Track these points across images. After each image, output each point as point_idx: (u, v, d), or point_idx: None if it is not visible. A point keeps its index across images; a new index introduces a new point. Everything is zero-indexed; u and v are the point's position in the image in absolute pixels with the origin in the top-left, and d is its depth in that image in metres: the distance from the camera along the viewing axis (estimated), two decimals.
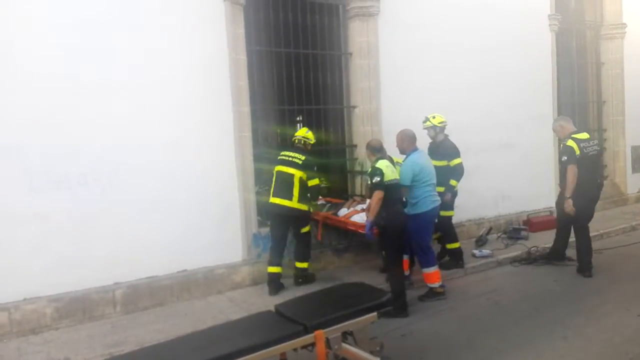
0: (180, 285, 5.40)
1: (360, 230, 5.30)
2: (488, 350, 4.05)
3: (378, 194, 4.77)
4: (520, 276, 6.07)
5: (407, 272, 5.57)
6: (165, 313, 5.09)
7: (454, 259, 6.22)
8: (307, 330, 3.12)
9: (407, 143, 5.35)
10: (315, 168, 5.78)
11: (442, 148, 6.12)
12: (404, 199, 5.20)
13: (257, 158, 6.12)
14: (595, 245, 6.32)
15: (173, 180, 5.33)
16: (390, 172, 4.84)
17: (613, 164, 9.97)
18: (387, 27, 6.80)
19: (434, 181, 5.35)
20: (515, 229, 7.58)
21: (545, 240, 6.97)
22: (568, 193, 5.61)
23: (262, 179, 6.40)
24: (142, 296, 5.17)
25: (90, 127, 4.92)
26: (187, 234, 5.42)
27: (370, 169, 4.92)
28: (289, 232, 5.70)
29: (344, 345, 3.32)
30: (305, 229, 5.73)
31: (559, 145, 5.17)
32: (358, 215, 5.65)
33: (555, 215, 6.62)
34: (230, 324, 3.68)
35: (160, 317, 4.98)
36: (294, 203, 5.51)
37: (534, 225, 7.84)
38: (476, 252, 6.65)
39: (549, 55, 8.66)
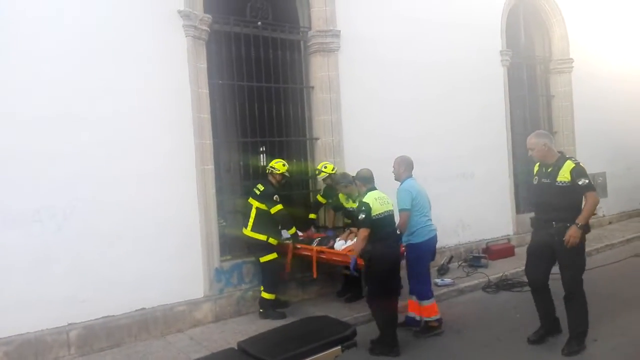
0: (139, 324, 5.22)
1: (347, 261, 5.14)
2: None
3: (363, 232, 4.59)
4: (481, 303, 6.17)
5: (412, 314, 5.31)
6: (122, 354, 4.89)
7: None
8: None
9: (403, 168, 5.27)
10: (277, 197, 5.77)
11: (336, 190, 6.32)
12: (397, 232, 4.96)
13: (220, 191, 6.08)
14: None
15: (132, 215, 5.21)
16: (379, 206, 4.66)
17: None
18: (347, 63, 6.99)
19: (429, 211, 5.28)
20: (475, 257, 7.75)
21: (504, 268, 7.15)
22: (584, 221, 4.29)
23: (224, 212, 6.34)
24: (98, 337, 4.96)
25: (46, 161, 4.78)
26: (146, 270, 5.28)
27: (357, 203, 4.80)
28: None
29: None
30: (265, 258, 5.74)
31: (541, 169, 4.53)
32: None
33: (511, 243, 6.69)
34: None
35: (117, 359, 4.78)
36: (247, 231, 5.77)
37: (493, 253, 8.03)
38: (438, 280, 6.75)
39: (502, 89, 9.08)
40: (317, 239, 6.09)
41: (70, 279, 4.84)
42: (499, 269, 7.27)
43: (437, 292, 6.37)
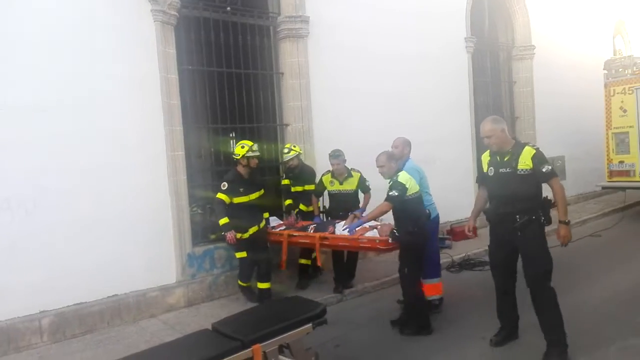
0: (111, 310, 5.26)
1: (379, 246, 5.01)
2: (419, 353, 4.31)
3: (386, 206, 4.62)
4: (446, 282, 6.42)
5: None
6: (95, 340, 4.93)
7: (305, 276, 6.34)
8: (244, 346, 3.18)
9: (408, 149, 5.36)
10: (224, 185, 5.54)
11: (305, 174, 6.37)
12: (428, 211, 4.98)
13: (191, 177, 6.12)
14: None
15: (103, 202, 5.21)
16: (414, 185, 4.71)
17: None
18: (317, 49, 7.07)
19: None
20: (440, 239, 8.00)
21: (466, 249, 7.46)
22: (565, 215, 3.96)
23: (197, 198, 6.38)
24: (71, 324, 4.98)
25: (14, 150, 4.73)
26: (118, 257, 5.30)
27: (391, 181, 4.69)
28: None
29: (281, 357, 3.42)
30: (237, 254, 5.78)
31: (494, 159, 4.12)
32: (370, 232, 5.18)
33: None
34: (166, 344, 3.67)
35: (90, 345, 4.83)
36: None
37: (456, 234, 8.33)
38: None
39: (466, 75, 9.34)
40: (313, 226, 5.75)
41: (41, 267, 4.82)
42: (462, 250, 7.57)
43: None
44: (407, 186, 4.60)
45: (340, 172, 6.05)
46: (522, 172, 3.95)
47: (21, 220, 4.75)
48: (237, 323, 3.59)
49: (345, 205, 5.96)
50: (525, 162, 3.95)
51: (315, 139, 7.06)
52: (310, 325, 3.51)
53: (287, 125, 7.06)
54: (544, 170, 3.90)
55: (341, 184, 6.08)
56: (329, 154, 6.10)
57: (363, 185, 6.14)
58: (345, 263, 6.13)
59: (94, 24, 5.22)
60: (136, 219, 5.43)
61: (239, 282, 5.87)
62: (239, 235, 5.57)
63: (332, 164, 6.08)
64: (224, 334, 3.38)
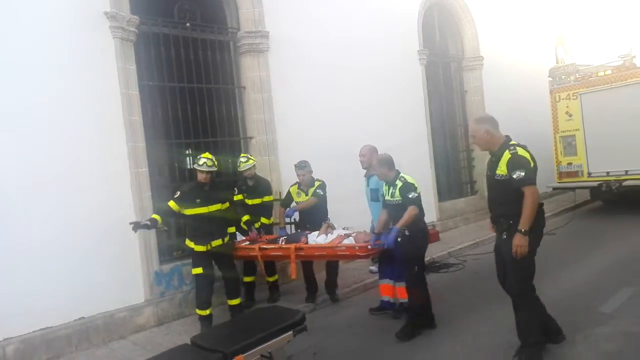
0: (79, 334, 5.09)
1: (359, 253, 5.09)
2: (397, 357, 4.40)
3: (414, 210, 4.69)
4: None
5: (386, 297, 5.45)
6: None
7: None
8: (226, 357, 3.18)
9: (375, 156, 5.34)
10: (177, 194, 5.36)
11: (261, 185, 6.27)
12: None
13: (154, 194, 6.02)
14: (473, 251, 7.29)
15: (65, 222, 5.07)
16: (418, 184, 4.84)
17: (482, 179, 11.20)
18: (278, 63, 7.18)
19: None
20: None
21: (431, 252, 7.64)
22: (526, 225, 3.74)
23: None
24: (37, 350, 4.79)
25: None
26: (83, 278, 5.15)
27: (400, 184, 4.79)
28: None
29: None
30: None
31: (490, 159, 3.99)
32: (346, 240, 5.26)
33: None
34: None
35: None
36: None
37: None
38: (373, 267, 7.09)
39: (421, 86, 9.70)
40: (283, 238, 5.71)
41: (3, 293, 4.62)
42: (426, 253, 7.74)
43: (373, 278, 6.76)
44: (416, 185, 4.81)
45: (307, 183, 6.05)
46: (499, 178, 3.82)
47: None
48: (217, 336, 3.60)
49: (314, 216, 5.94)
50: (501, 167, 3.80)
51: (280, 150, 7.13)
52: (291, 332, 3.54)
53: (251, 138, 7.10)
54: (514, 176, 3.71)
55: (307, 194, 6.06)
56: (295, 165, 6.13)
57: (316, 192, 6.02)
58: (327, 275, 6.09)
59: (54, 40, 5.14)
60: (101, 238, 5.30)
61: (197, 310, 5.32)
62: (198, 248, 5.29)
63: (298, 175, 6.06)
64: (204, 347, 3.37)
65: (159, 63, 6.29)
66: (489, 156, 4.03)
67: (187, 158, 7.38)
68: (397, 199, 4.84)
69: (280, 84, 7.20)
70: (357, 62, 8.29)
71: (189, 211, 5.29)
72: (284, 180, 6.86)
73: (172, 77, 6.42)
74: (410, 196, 4.75)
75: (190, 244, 5.34)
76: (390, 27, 8.96)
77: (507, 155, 3.79)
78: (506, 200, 3.82)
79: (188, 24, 6.62)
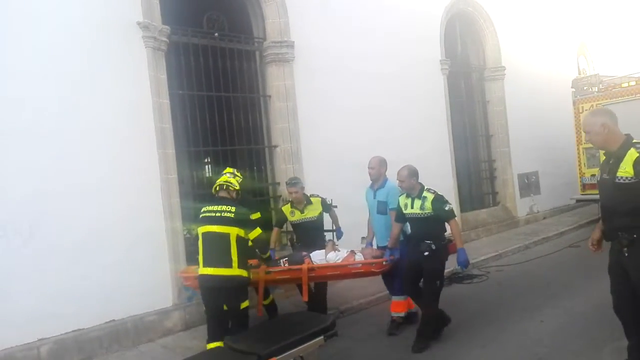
0: (109, 336, 5.18)
1: (374, 270, 5.04)
2: None
3: (455, 222, 4.75)
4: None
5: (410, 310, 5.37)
6: None
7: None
8: (261, 359, 3.23)
9: (384, 169, 5.37)
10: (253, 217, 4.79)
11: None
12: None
13: (184, 200, 6.13)
14: (496, 262, 7.31)
15: (100, 226, 5.20)
16: None
17: (504, 190, 11.17)
18: (303, 72, 7.29)
19: None
20: None
21: (452, 263, 7.58)
22: None
23: (190, 221, 6.35)
24: (69, 351, 4.89)
25: (12, 174, 4.72)
26: (114, 282, 5.25)
27: (432, 197, 4.71)
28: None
29: None
30: (245, 304, 4.43)
31: (606, 160, 3.41)
32: (355, 257, 5.20)
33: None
34: None
35: None
36: (234, 270, 4.32)
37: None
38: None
39: (443, 96, 9.72)
40: (285, 259, 5.30)
41: (38, 294, 4.75)
42: (448, 265, 7.71)
43: None
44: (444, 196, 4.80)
45: (299, 201, 5.61)
46: (621, 181, 3.14)
47: (18, 247, 4.69)
48: (250, 338, 3.63)
49: (313, 233, 5.66)
50: (625, 168, 3.14)
51: (304, 159, 7.20)
52: (322, 337, 3.57)
53: (276, 146, 7.19)
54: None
55: (302, 212, 5.63)
56: (286, 182, 5.88)
57: (326, 205, 5.79)
58: (315, 298, 5.41)
59: (91, 49, 5.30)
60: (132, 242, 5.41)
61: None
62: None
63: (290, 193, 5.62)
64: (239, 350, 3.41)
65: (188, 72, 6.44)
66: (603, 157, 3.38)
67: (216, 165, 7.46)
68: (428, 211, 4.72)
69: (304, 92, 7.30)
70: (381, 72, 8.36)
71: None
72: (308, 189, 6.90)
73: (200, 85, 6.57)
74: (447, 208, 4.72)
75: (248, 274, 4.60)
76: (412, 37, 9.02)
77: (633, 154, 3.13)
78: (630, 208, 3.14)
79: (216, 34, 6.78)
